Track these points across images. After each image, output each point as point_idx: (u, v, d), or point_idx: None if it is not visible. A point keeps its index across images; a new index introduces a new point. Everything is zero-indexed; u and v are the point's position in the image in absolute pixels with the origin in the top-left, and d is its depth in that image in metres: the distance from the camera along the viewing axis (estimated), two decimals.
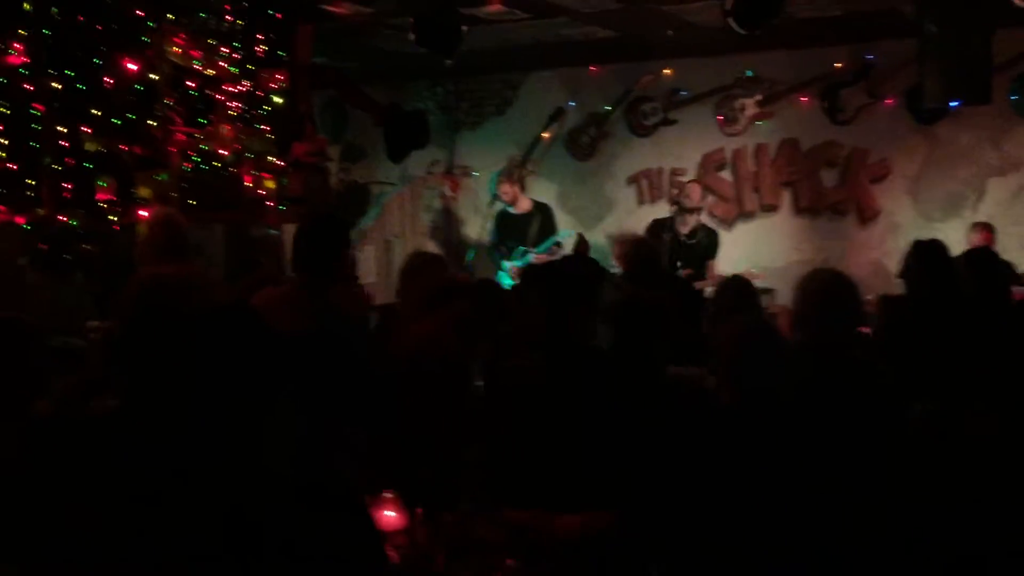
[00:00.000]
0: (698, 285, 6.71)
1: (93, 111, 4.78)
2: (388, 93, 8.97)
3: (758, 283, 7.04)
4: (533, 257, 7.25)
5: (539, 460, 2.98)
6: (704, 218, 7.56)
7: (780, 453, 2.66)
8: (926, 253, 4.77)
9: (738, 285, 4.44)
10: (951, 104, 5.81)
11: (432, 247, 9.23)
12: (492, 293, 4.04)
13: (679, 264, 7.10)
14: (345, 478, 2.44)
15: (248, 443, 2.06)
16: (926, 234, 7.02)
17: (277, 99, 5.90)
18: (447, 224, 9.23)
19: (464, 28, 6.11)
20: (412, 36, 6.01)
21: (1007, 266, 6.63)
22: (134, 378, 2.35)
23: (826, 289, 3.36)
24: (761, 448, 2.67)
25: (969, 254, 5.47)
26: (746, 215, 8.18)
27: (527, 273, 6.99)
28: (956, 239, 6.85)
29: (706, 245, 7.18)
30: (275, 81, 5.89)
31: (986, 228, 6.81)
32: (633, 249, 5.29)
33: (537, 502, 2.85)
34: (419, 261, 4.39)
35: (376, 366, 3.88)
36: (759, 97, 7.97)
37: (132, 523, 1.96)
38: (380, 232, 8.89)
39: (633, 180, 8.57)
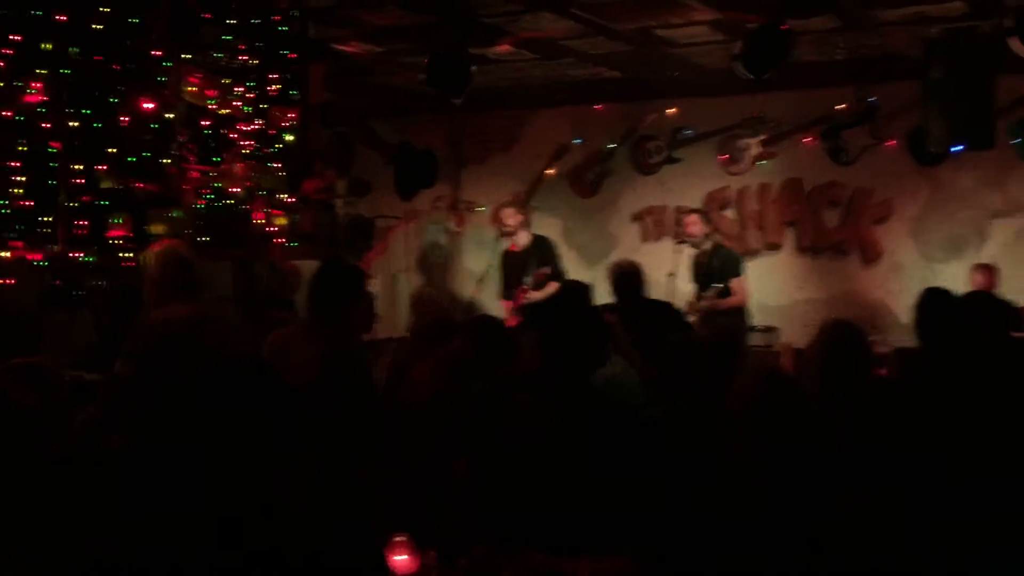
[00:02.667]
0: (725, 303, 6.80)
1: (109, 149, 4.84)
2: (395, 128, 9.08)
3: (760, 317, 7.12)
4: (524, 295, 7.23)
5: (551, 503, 3.00)
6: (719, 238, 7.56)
7: (795, 502, 2.68)
8: (934, 304, 4.82)
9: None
10: (954, 148, 5.88)
11: (437, 281, 9.30)
12: (492, 330, 4.02)
13: (702, 294, 7.05)
14: (360, 522, 2.47)
15: (259, 491, 2.10)
16: (927, 275, 7.13)
17: (288, 136, 5.97)
18: (452, 259, 9.29)
19: (474, 68, 6.20)
20: (422, 76, 6.09)
21: (1008, 307, 6.70)
22: (143, 423, 2.40)
23: (839, 344, 3.42)
24: (776, 496, 2.69)
25: (968, 297, 5.52)
26: (750, 253, 8.22)
27: (527, 311, 7.07)
28: (958, 280, 6.93)
29: (722, 266, 7.09)
30: (287, 119, 5.97)
31: (987, 269, 6.87)
32: (619, 274, 5.31)
33: (551, 546, 2.87)
34: (423, 298, 4.44)
35: (384, 408, 3.92)
36: (763, 137, 8.06)
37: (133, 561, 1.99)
38: (386, 267, 8.94)
39: (637, 217, 8.64)
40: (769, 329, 7.60)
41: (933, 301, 4.85)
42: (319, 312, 3.80)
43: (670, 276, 7.09)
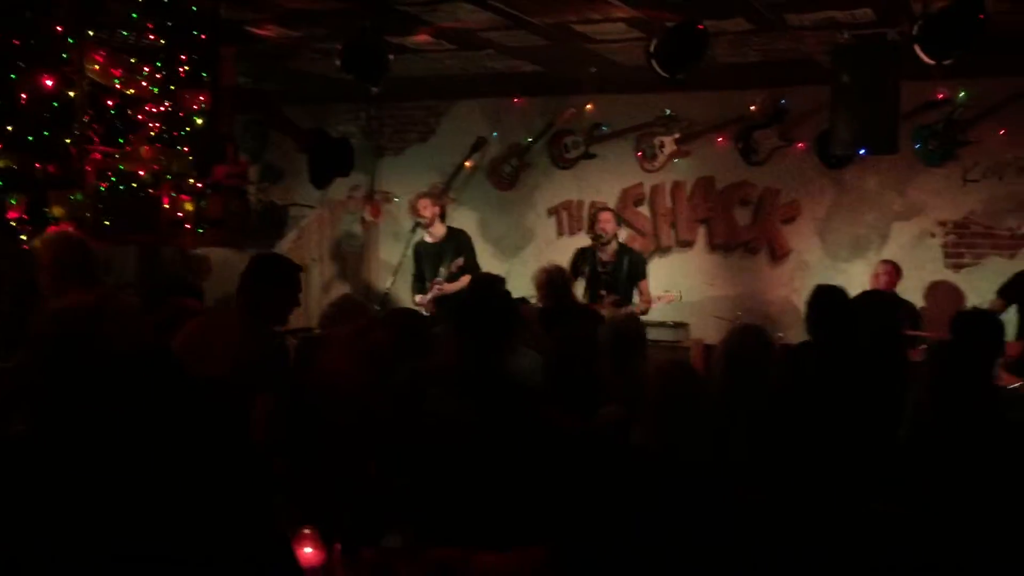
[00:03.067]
0: (631, 309, 6.79)
1: (6, 127, 4.63)
2: (311, 115, 8.94)
3: (662, 305, 7.19)
4: (437, 288, 7.21)
5: (465, 497, 2.99)
6: (624, 239, 7.68)
7: (701, 498, 2.72)
8: (825, 300, 4.96)
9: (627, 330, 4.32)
10: (859, 152, 6.05)
11: (351, 272, 9.19)
12: (411, 324, 4.01)
13: (603, 293, 7.16)
14: (268, 513, 2.42)
15: (160, 482, 2.05)
16: (832, 274, 7.34)
17: (198, 120, 5.81)
18: (367, 249, 9.19)
19: (391, 56, 6.13)
20: (339, 62, 6.00)
21: (908, 306, 6.96)
22: (43, 411, 2.31)
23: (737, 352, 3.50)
24: (683, 494, 2.73)
25: (862, 296, 5.71)
26: (663, 250, 8.35)
27: (442, 306, 7.04)
28: (861, 279, 7.17)
29: (630, 268, 7.20)
30: (196, 102, 5.80)
31: (891, 266, 7.05)
32: (546, 278, 5.34)
33: (464, 539, 2.85)
34: (341, 309, 4.35)
35: (295, 399, 3.84)
36: (678, 135, 8.18)
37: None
38: (298, 256, 8.79)
39: (553, 211, 8.69)
40: (680, 325, 7.74)
41: (824, 298, 4.99)
42: (245, 302, 3.71)
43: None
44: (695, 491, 2.73)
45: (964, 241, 7.45)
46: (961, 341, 3.80)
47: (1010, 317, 6.23)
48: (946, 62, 4.90)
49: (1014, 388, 5.40)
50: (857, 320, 4.85)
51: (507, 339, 3.50)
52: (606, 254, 7.28)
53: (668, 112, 8.13)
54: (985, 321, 4.12)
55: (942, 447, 3.09)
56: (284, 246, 8.26)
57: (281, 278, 3.74)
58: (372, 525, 2.97)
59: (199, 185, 5.81)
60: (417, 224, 7.65)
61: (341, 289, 8.82)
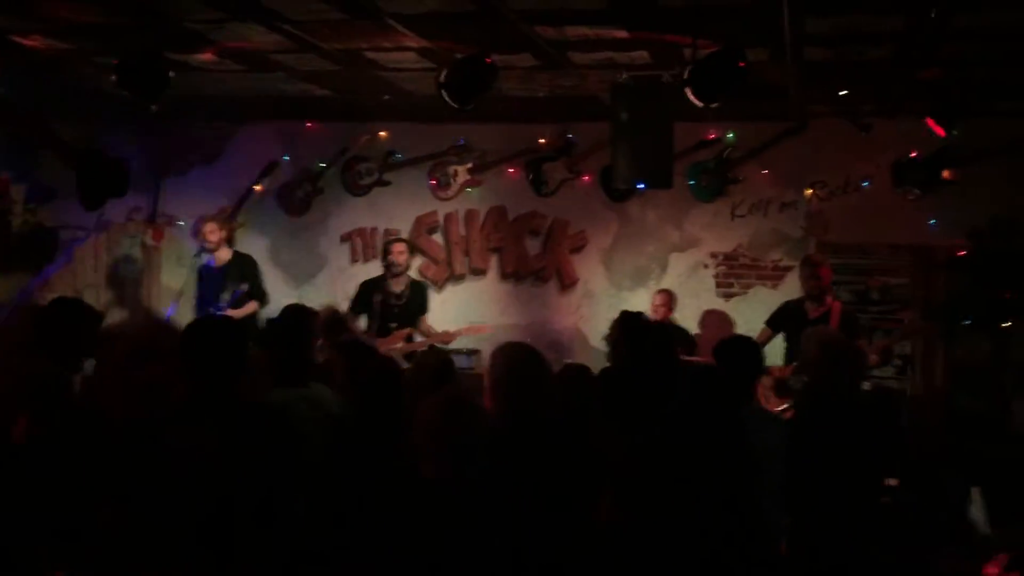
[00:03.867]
0: (418, 343, 6.88)
1: None
2: (87, 132, 8.41)
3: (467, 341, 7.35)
4: (221, 312, 6.99)
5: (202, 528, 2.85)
6: (414, 274, 7.78)
7: (487, 525, 2.74)
8: (626, 326, 5.20)
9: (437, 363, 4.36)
10: (637, 186, 6.36)
11: (129, 298, 8.70)
12: None
13: (393, 326, 7.20)
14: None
15: None
16: (616, 302, 7.66)
17: None
18: (147, 275, 8.74)
19: (172, 74, 5.88)
20: (114, 78, 5.69)
21: (683, 333, 7.37)
22: None
23: (515, 365, 3.55)
24: (469, 519, 2.74)
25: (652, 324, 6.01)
26: (456, 278, 8.44)
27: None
28: (642, 307, 7.48)
29: (418, 301, 7.35)
30: None
31: (667, 294, 7.51)
32: (323, 319, 5.28)
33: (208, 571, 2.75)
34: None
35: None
36: (470, 165, 8.31)
37: None
38: (71, 281, 8.24)
39: (347, 238, 8.59)
40: (472, 352, 7.82)
41: (629, 323, 5.23)
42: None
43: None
44: (474, 513, 2.75)
45: (733, 272, 7.98)
46: (722, 365, 4.05)
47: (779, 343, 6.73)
48: (713, 105, 5.23)
49: (781, 411, 5.81)
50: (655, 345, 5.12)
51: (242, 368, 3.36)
52: (398, 285, 7.30)
53: (462, 141, 8.25)
54: (744, 346, 4.43)
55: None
56: (53, 272, 7.71)
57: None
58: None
59: None
60: (203, 249, 7.36)
61: (119, 315, 8.33)
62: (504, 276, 8.38)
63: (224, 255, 7.29)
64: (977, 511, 4.66)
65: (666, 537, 3.20)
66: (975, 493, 4.58)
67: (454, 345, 7.44)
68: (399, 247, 7.35)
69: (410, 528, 2.79)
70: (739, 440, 3.39)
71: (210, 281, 7.23)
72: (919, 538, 4.54)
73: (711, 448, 3.33)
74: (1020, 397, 6.92)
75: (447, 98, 5.63)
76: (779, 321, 6.85)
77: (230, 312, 6.93)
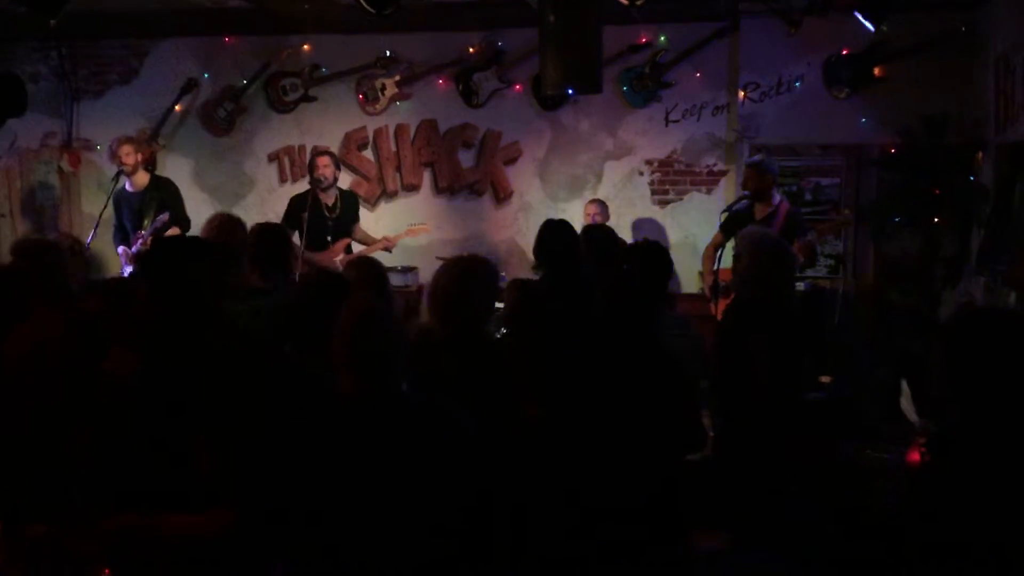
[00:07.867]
0: (358, 252, 6.90)
1: None
2: None
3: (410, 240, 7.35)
4: (141, 242, 6.78)
5: (146, 463, 2.76)
6: (350, 185, 7.64)
7: (400, 445, 2.67)
8: (553, 233, 5.15)
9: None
10: (567, 91, 6.21)
11: (48, 225, 8.39)
12: (128, 292, 3.67)
13: (329, 239, 7.06)
14: None
15: None
16: (553, 213, 7.55)
17: None
18: (65, 202, 8.42)
19: None
20: None
21: (620, 242, 7.32)
22: None
23: (461, 278, 3.50)
24: (381, 439, 2.67)
25: (587, 230, 5.95)
26: (389, 195, 8.26)
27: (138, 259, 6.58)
28: (579, 218, 7.43)
29: (350, 211, 7.23)
30: None
31: (600, 204, 7.42)
32: (256, 238, 5.05)
33: (149, 506, 2.65)
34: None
35: None
36: (398, 77, 8.06)
37: None
38: None
39: (274, 157, 8.34)
40: (409, 269, 7.71)
41: (554, 232, 5.18)
42: None
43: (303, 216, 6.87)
44: (397, 430, 2.69)
45: (668, 179, 7.92)
46: (634, 268, 4.05)
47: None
48: (639, 2, 5.08)
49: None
50: (586, 251, 5.10)
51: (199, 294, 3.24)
52: (328, 199, 7.13)
53: (388, 53, 7.98)
54: (654, 250, 4.44)
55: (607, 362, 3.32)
56: None
57: None
58: (42, 501, 2.69)
59: None
60: (120, 172, 7.08)
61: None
62: (438, 191, 8.22)
63: (142, 180, 7.02)
64: (907, 402, 4.73)
65: (590, 438, 3.18)
66: (904, 385, 4.64)
67: (390, 262, 7.32)
68: (323, 160, 7.14)
69: (325, 446, 2.71)
70: (655, 343, 3.38)
71: (128, 207, 6.98)
72: (851, 432, 4.60)
73: (629, 353, 3.31)
74: (949, 291, 7.04)
75: (364, 5, 5.40)
76: (730, 224, 6.83)
77: (152, 241, 6.70)
